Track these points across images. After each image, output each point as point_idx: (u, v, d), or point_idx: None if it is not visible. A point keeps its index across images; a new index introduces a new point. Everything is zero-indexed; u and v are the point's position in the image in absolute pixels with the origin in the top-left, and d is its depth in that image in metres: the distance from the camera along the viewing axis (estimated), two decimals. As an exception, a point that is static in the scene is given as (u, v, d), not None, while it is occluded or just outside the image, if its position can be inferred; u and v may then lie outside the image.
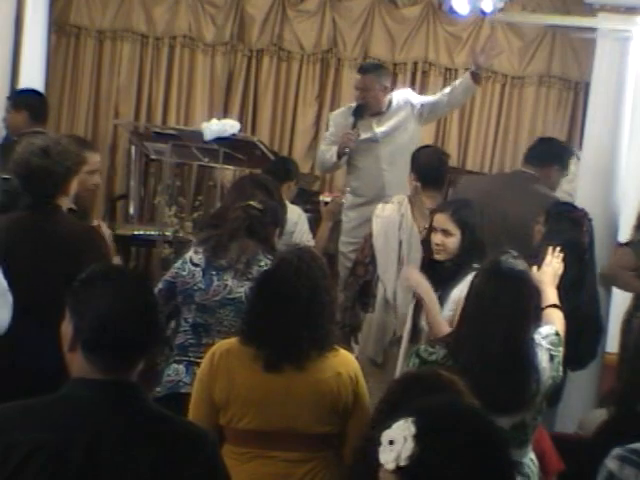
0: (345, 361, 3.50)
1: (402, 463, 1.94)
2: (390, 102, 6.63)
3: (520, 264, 3.65)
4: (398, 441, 1.96)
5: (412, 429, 1.95)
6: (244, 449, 3.41)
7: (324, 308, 3.49)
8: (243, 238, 4.31)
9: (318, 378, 3.41)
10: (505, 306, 3.52)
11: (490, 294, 3.57)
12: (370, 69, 6.71)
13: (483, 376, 3.41)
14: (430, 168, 5.47)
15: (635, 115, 7.24)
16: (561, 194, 6.24)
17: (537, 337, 3.64)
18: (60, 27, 9.02)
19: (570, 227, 4.62)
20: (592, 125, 7.26)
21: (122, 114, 9.07)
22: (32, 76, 8.19)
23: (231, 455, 3.35)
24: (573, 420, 5.42)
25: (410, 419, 1.97)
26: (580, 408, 5.73)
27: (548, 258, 4.27)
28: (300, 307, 3.42)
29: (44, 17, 8.40)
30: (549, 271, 4.22)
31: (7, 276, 3.90)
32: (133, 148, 8.64)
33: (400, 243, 5.28)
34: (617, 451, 2.50)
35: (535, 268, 4.24)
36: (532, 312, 3.62)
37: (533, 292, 3.66)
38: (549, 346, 3.66)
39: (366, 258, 5.35)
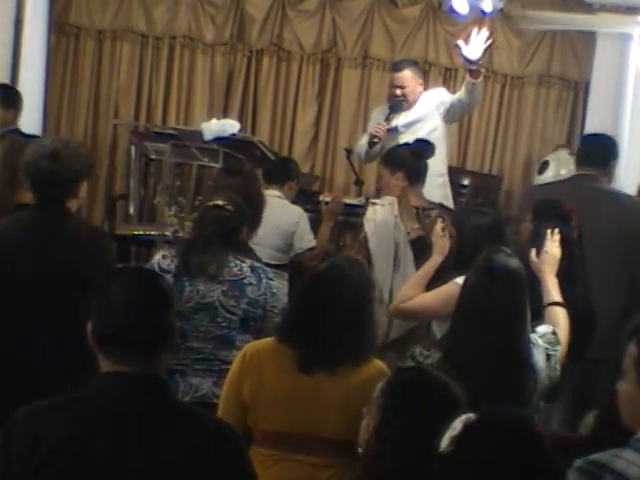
0: (377, 371, 3.42)
1: (441, 449, 2.12)
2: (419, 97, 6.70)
3: (513, 262, 3.61)
4: (449, 429, 2.13)
5: (459, 426, 2.12)
6: (269, 451, 3.39)
7: (368, 317, 3.45)
8: (218, 246, 4.17)
9: (347, 385, 3.37)
10: (499, 306, 3.49)
11: (483, 294, 3.53)
12: (406, 66, 6.75)
13: (479, 378, 3.38)
14: (418, 165, 5.47)
15: (635, 115, 7.26)
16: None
17: (534, 336, 3.61)
18: (60, 27, 9.02)
19: (559, 222, 4.59)
20: (592, 125, 7.29)
21: (122, 114, 9.06)
22: (32, 76, 8.20)
23: (256, 457, 3.31)
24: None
25: (466, 417, 2.06)
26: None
27: (547, 244, 4.25)
28: (345, 313, 3.38)
29: (44, 17, 8.41)
30: (549, 259, 4.19)
31: (13, 278, 3.93)
32: (133, 148, 8.63)
33: (397, 245, 5.26)
34: (578, 462, 2.50)
35: (534, 252, 4.22)
36: (526, 311, 3.59)
37: (527, 290, 3.63)
38: (546, 345, 3.63)
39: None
